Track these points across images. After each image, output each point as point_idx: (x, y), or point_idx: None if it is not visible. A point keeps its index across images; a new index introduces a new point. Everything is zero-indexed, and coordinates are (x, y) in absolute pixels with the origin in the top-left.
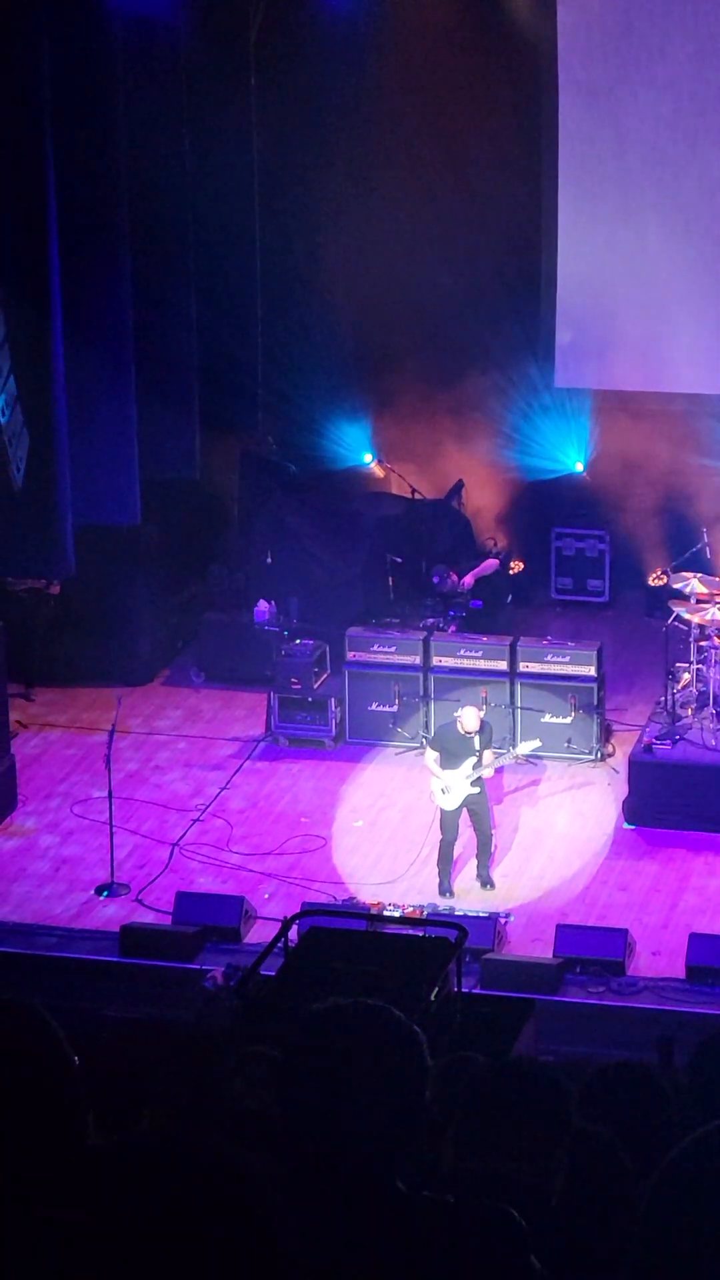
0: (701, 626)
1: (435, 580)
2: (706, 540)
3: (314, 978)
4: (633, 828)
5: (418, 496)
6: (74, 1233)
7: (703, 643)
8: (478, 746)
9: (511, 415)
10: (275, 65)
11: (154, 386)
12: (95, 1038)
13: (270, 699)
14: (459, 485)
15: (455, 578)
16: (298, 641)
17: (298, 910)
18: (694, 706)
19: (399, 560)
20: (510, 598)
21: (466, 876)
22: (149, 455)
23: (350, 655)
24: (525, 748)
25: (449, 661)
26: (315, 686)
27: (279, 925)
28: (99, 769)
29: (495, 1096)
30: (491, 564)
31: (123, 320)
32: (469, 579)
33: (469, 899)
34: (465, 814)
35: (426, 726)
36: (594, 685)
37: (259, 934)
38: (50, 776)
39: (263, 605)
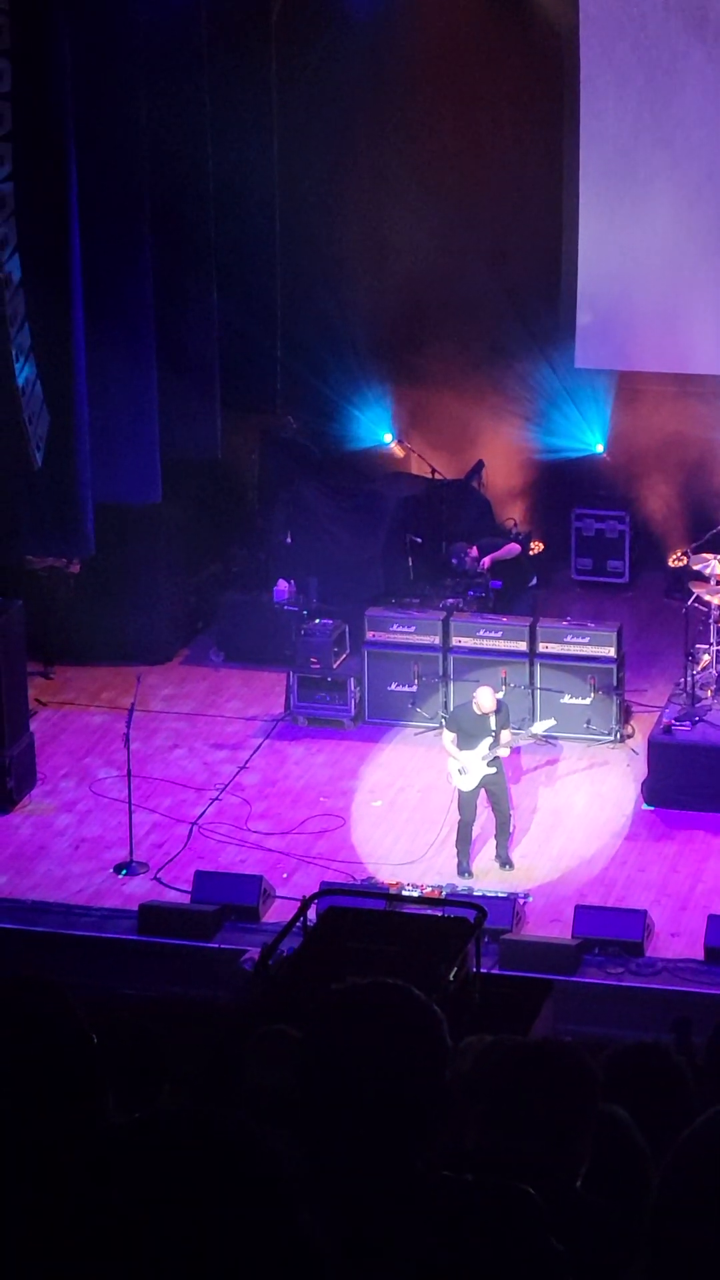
0: None
1: (454, 560)
2: None
3: (332, 957)
4: (652, 809)
5: (437, 477)
6: (92, 1210)
7: None
8: (494, 727)
9: (532, 396)
10: (296, 46)
11: (174, 366)
12: (114, 1016)
13: (289, 678)
14: (479, 466)
15: (475, 553)
16: (317, 621)
17: (316, 890)
18: (714, 688)
19: (419, 540)
20: (535, 580)
21: (485, 857)
22: (169, 435)
23: (370, 635)
24: (540, 727)
25: (468, 642)
26: (334, 666)
27: (298, 905)
28: (118, 747)
29: (521, 1077)
30: (513, 548)
31: (143, 300)
32: (487, 561)
33: (488, 879)
34: (484, 794)
35: (446, 707)
36: (614, 666)
37: (278, 913)
38: (69, 755)
39: (282, 585)
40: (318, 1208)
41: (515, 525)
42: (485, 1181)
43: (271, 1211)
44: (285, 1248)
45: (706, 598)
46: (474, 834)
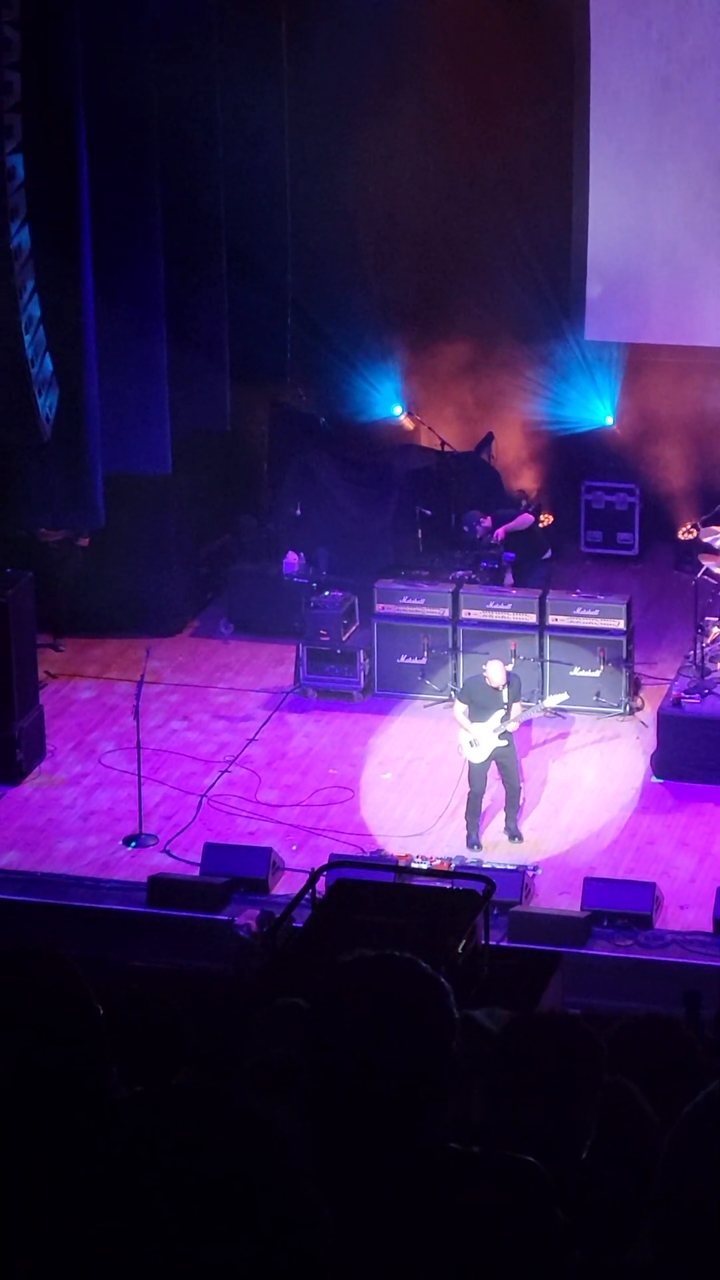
0: None
1: (466, 528)
2: None
3: (341, 929)
4: (661, 781)
5: (447, 449)
6: (96, 1182)
7: None
8: (505, 699)
9: (541, 368)
10: (307, 15)
11: (184, 338)
12: (122, 988)
13: (299, 651)
14: (489, 438)
15: (489, 523)
16: (326, 593)
17: (325, 862)
18: None
19: (428, 512)
20: (550, 552)
21: (495, 829)
22: (179, 406)
23: (379, 607)
24: (553, 701)
25: (478, 614)
26: (344, 638)
27: (306, 877)
28: (127, 720)
29: (527, 1050)
30: (526, 519)
31: (153, 271)
32: (500, 532)
33: (497, 852)
34: (494, 767)
35: (455, 679)
36: (623, 639)
37: (287, 885)
38: (79, 727)
39: (292, 557)
40: (323, 1180)
41: (525, 497)
42: (492, 1154)
43: (275, 1184)
44: (289, 1220)
45: (716, 570)
46: (483, 806)
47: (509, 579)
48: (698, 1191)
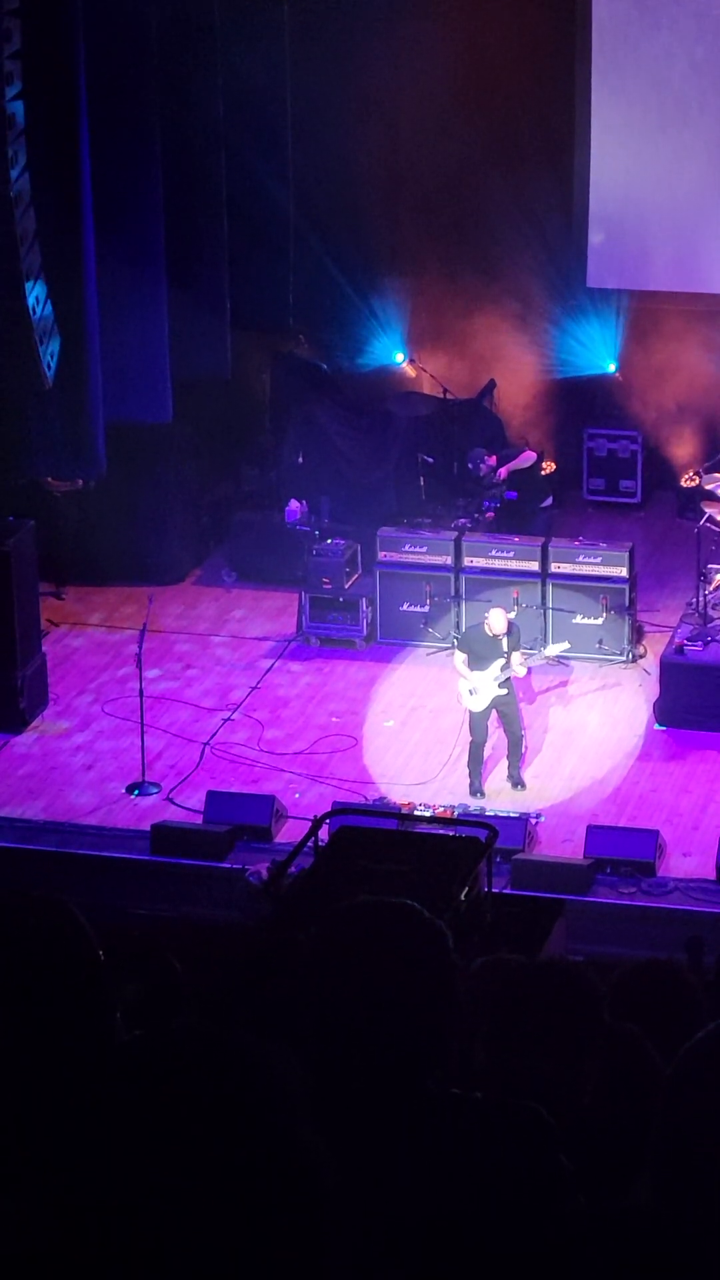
0: None
1: (470, 465)
2: None
3: (344, 877)
4: (664, 729)
5: (449, 396)
6: (96, 1127)
7: None
8: (506, 648)
9: (543, 316)
10: None
11: (185, 285)
12: (125, 935)
13: (301, 599)
14: (490, 385)
15: (493, 462)
16: (329, 541)
17: (328, 810)
18: None
19: (430, 460)
20: (550, 499)
21: (497, 777)
22: (180, 354)
23: (381, 555)
24: (554, 649)
25: (480, 562)
26: (346, 586)
27: (309, 825)
28: (130, 668)
29: (527, 995)
30: (529, 455)
31: (153, 219)
32: (504, 471)
33: (500, 799)
34: (496, 715)
35: (458, 627)
36: (625, 586)
37: (289, 833)
38: (81, 675)
39: (294, 505)
40: (324, 1126)
41: (528, 444)
42: (495, 1100)
43: (273, 1127)
44: (286, 1163)
45: (719, 518)
46: (486, 754)
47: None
48: (696, 1132)
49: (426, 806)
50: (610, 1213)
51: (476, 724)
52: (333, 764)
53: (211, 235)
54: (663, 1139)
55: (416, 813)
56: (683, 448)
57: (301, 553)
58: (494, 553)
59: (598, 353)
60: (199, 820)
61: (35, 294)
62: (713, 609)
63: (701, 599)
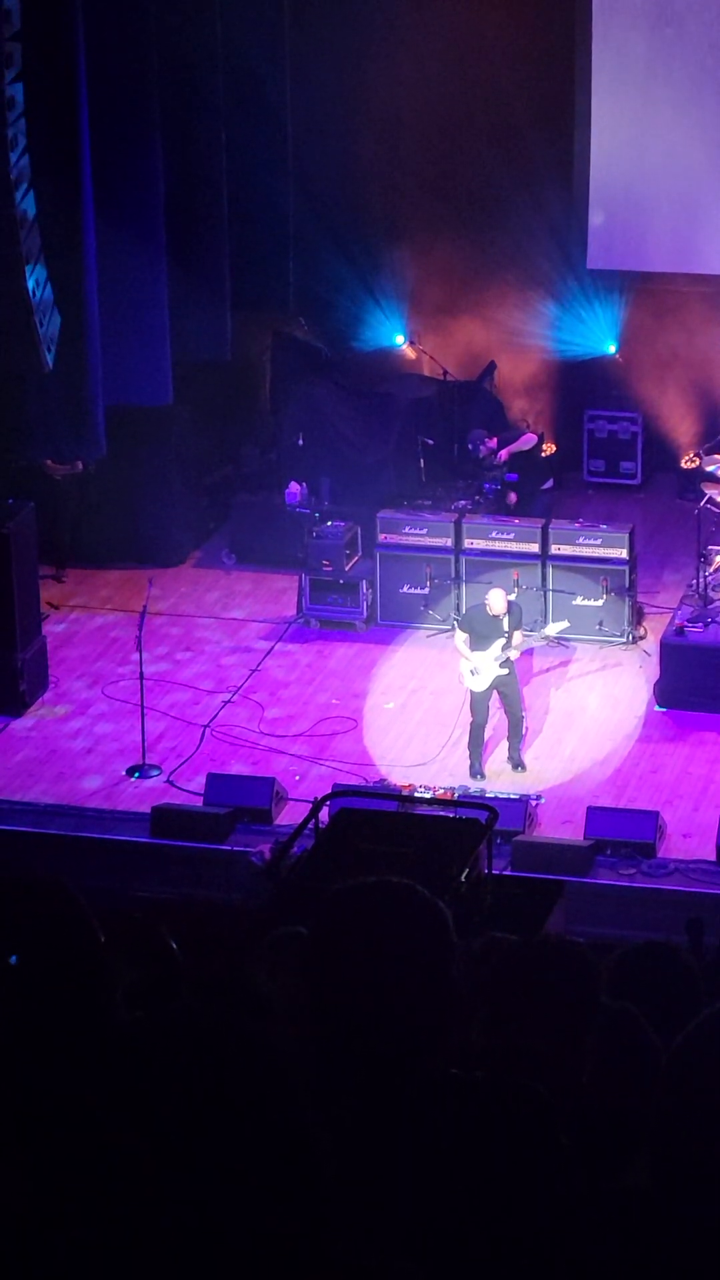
0: None
1: (471, 446)
2: None
3: (344, 859)
4: (664, 710)
5: (449, 378)
6: (96, 1105)
7: None
8: (506, 628)
9: (544, 298)
10: None
11: (185, 268)
12: (126, 918)
13: (301, 581)
14: (491, 367)
15: (493, 444)
16: (329, 523)
17: (328, 792)
18: None
19: (430, 442)
20: (551, 482)
21: (498, 759)
22: (180, 336)
23: (382, 537)
24: (553, 629)
25: (480, 544)
26: (346, 569)
27: (310, 807)
28: (130, 651)
29: (524, 974)
30: (530, 438)
31: (154, 200)
32: (504, 453)
33: (500, 781)
34: (496, 696)
35: (458, 608)
36: (626, 568)
37: (290, 815)
38: (81, 658)
39: (294, 487)
40: (324, 1105)
41: (528, 426)
42: (494, 1079)
43: (271, 1105)
44: (285, 1143)
45: (719, 499)
46: (486, 736)
47: (513, 498)
48: (693, 1116)
49: (427, 788)
50: (607, 1194)
51: (477, 705)
52: (333, 746)
53: (212, 217)
54: (660, 1122)
55: (417, 794)
56: (683, 429)
57: (301, 535)
58: (494, 534)
59: (598, 334)
60: (200, 802)
61: (35, 276)
62: (713, 590)
63: (702, 580)
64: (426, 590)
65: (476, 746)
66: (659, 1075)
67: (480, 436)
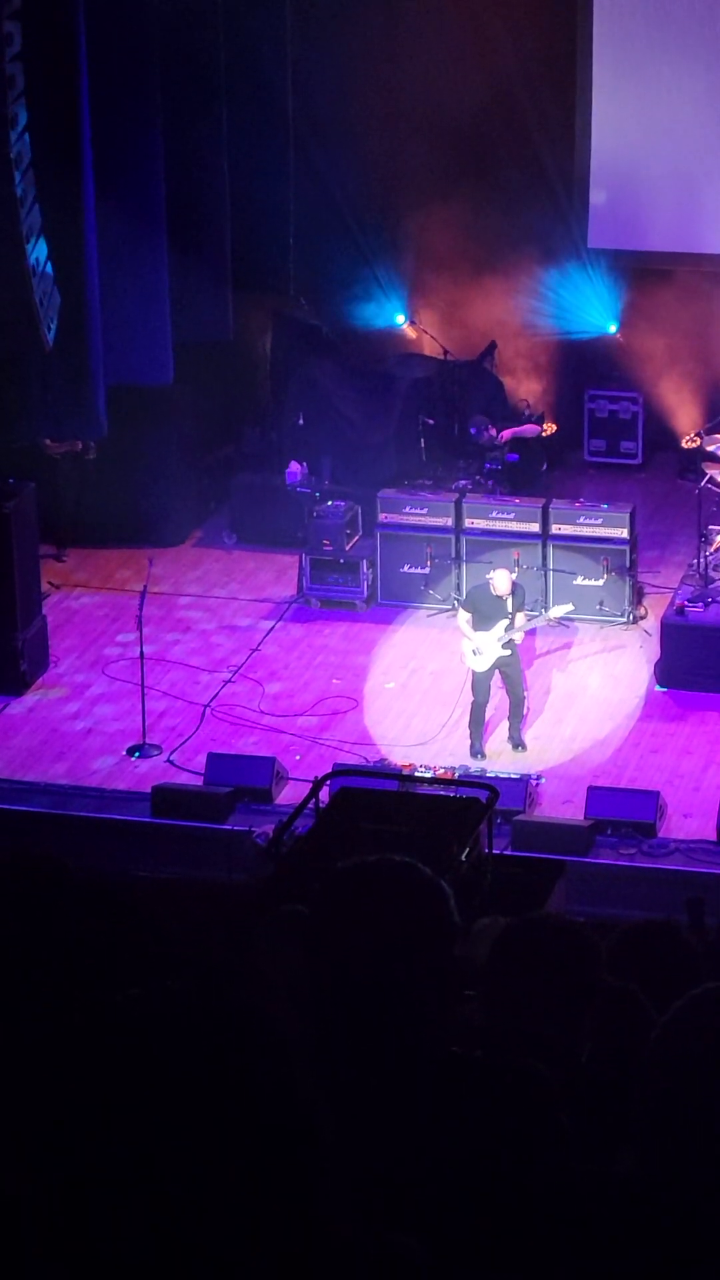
0: None
1: (473, 431)
2: None
3: (345, 838)
4: (665, 690)
5: (450, 358)
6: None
7: None
8: (509, 609)
9: (545, 277)
10: None
11: (186, 247)
12: (125, 897)
13: (302, 561)
14: (492, 347)
15: (494, 431)
16: (330, 503)
17: (329, 771)
18: None
19: (431, 422)
20: (546, 465)
21: (498, 738)
22: (181, 316)
23: (382, 517)
24: (557, 611)
25: (481, 523)
26: (347, 548)
27: (310, 786)
28: (130, 630)
29: (524, 953)
30: (531, 429)
31: (154, 179)
32: (506, 433)
33: (501, 761)
34: (497, 676)
35: (458, 588)
36: (626, 548)
37: (290, 795)
38: (82, 638)
39: (295, 467)
40: (324, 1086)
41: (529, 406)
42: (494, 1059)
43: (271, 1087)
44: (284, 1123)
45: (719, 479)
46: (487, 716)
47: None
48: (679, 1101)
49: (427, 768)
50: (596, 1181)
51: (479, 684)
52: (333, 725)
53: (213, 197)
54: (647, 1107)
55: (417, 774)
56: (684, 409)
57: (302, 515)
58: (495, 514)
59: (599, 314)
60: (200, 782)
61: (36, 255)
62: (714, 570)
63: (702, 560)
64: (427, 570)
65: (477, 726)
66: (645, 1062)
67: (481, 422)
